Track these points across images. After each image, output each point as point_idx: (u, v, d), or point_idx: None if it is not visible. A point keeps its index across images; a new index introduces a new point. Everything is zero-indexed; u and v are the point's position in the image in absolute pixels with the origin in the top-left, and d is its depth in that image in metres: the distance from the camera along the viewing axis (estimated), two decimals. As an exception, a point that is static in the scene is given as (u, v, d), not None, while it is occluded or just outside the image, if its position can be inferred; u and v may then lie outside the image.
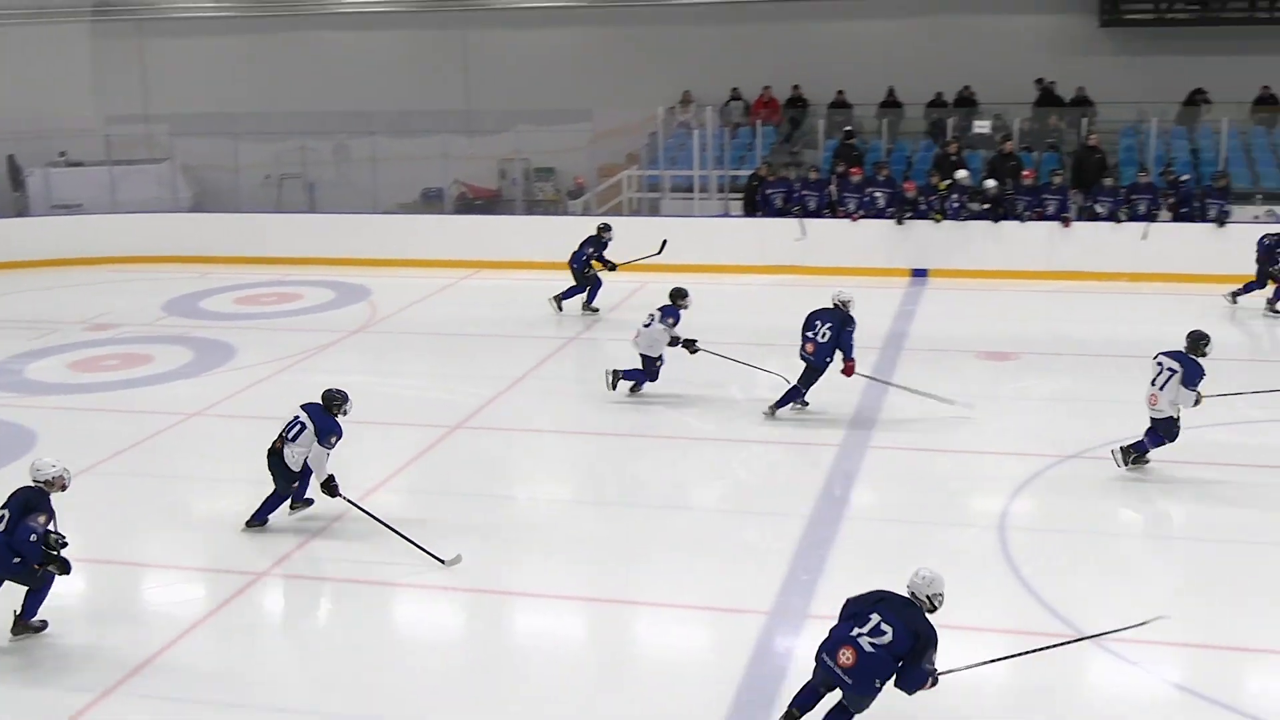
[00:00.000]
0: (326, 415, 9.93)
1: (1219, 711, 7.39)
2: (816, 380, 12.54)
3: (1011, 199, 19.10)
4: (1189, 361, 10.71)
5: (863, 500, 10.61)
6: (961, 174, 19.22)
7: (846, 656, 6.81)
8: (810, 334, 12.40)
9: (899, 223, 18.99)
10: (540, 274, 19.73)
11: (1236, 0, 24.31)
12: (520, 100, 25.85)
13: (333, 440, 9.82)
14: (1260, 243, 16.66)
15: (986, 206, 18.99)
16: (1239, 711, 7.37)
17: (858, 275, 18.42)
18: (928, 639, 6.83)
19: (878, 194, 19.33)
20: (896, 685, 6.85)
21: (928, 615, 6.93)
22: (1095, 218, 18.93)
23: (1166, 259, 18.29)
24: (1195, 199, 18.72)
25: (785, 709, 7.03)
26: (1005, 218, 18.94)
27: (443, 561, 9.36)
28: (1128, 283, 18.26)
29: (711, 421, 12.84)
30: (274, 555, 9.60)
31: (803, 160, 22.81)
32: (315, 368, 15.02)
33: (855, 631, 6.87)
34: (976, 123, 22.30)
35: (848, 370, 12.43)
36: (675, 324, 13.16)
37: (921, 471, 11.35)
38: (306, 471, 10.04)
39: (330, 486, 9.84)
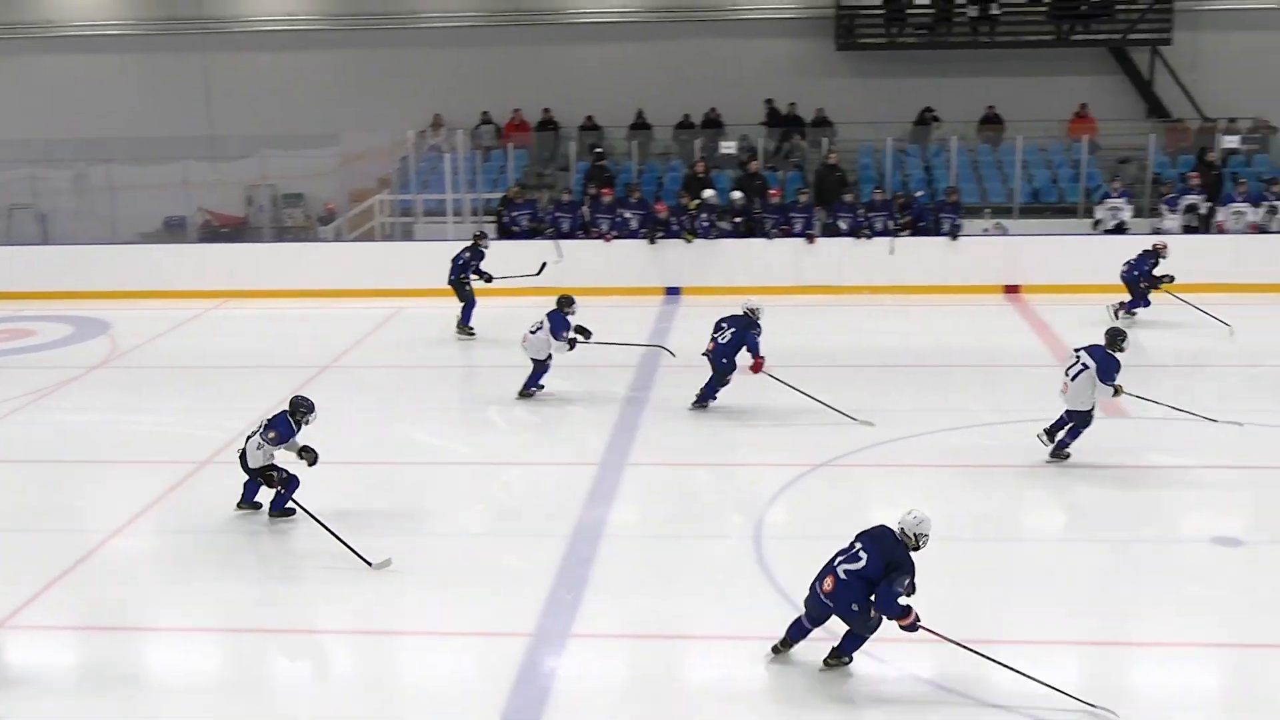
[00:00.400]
0: (285, 422, 10.26)
1: (967, 704, 7.71)
2: (722, 380, 13.16)
3: (760, 217, 19.60)
4: (1105, 357, 11.27)
5: (622, 517, 10.68)
6: (709, 193, 19.64)
7: (827, 584, 7.73)
8: (715, 335, 13.05)
9: (651, 242, 19.27)
10: (292, 302, 19.33)
11: (961, 26, 25.61)
12: (265, 125, 25.28)
13: (271, 435, 10.19)
14: (1129, 271, 17.17)
15: (738, 220, 19.44)
16: (986, 703, 7.70)
17: (613, 295, 18.62)
18: (898, 565, 7.58)
19: (629, 215, 19.57)
20: (875, 607, 7.60)
21: (910, 551, 7.69)
22: (838, 233, 19.59)
23: (903, 271, 19.08)
24: (929, 213, 19.58)
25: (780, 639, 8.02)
26: (753, 235, 19.43)
27: (370, 564, 9.41)
28: (869, 295, 18.97)
29: (470, 445, 12.77)
30: (10, 605, 9.08)
31: (554, 183, 22.96)
32: (53, 407, 14.31)
33: (838, 561, 7.75)
34: (723, 144, 22.82)
35: (755, 367, 13.03)
36: (566, 331, 13.59)
37: (678, 486, 11.54)
38: (289, 483, 10.40)
39: (265, 474, 10.29)
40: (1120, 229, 19.51)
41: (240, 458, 10.46)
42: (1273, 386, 14.47)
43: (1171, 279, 16.75)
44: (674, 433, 12.94)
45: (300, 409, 10.40)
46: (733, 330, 13.03)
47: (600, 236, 19.52)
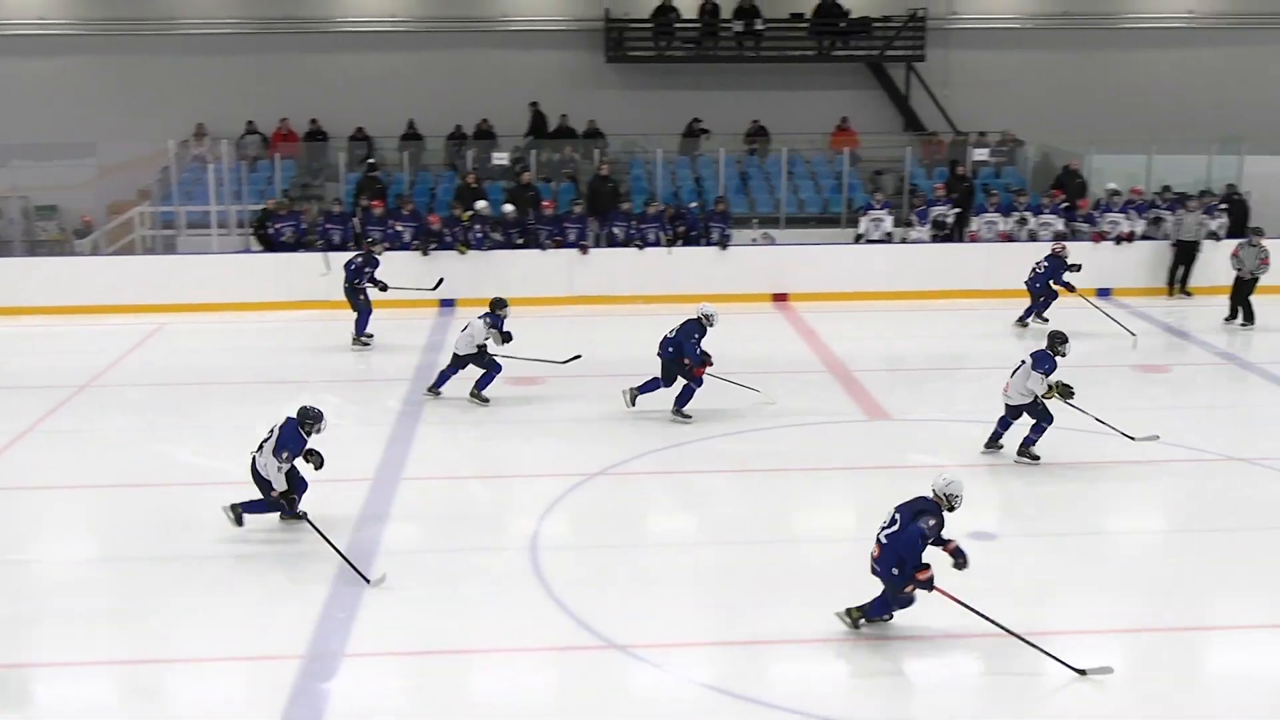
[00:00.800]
0: (295, 431, 10.06)
1: (743, 704, 7.87)
2: (685, 370, 13.31)
3: (533, 228, 19.63)
4: (1042, 354, 11.86)
5: (398, 532, 10.55)
6: (482, 204, 19.57)
7: (875, 551, 8.51)
8: (668, 333, 13.45)
9: (424, 254, 19.07)
10: (46, 319, 18.49)
11: (727, 40, 26.22)
12: (15, 133, 24.09)
13: (284, 455, 9.96)
14: (1035, 274, 17.61)
15: (512, 231, 19.42)
16: (761, 702, 7.87)
17: (385, 307, 18.36)
18: (925, 510, 8.38)
19: (401, 227, 19.34)
20: (899, 549, 8.27)
21: (943, 510, 8.43)
22: (613, 244, 19.79)
23: (676, 281, 19.31)
24: (700, 223, 19.94)
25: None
26: (527, 246, 19.44)
27: (368, 581, 9.30)
28: (643, 305, 19.20)
29: (239, 464, 12.36)
30: None
31: (323, 194, 22.56)
32: None
33: (881, 531, 8.49)
34: (495, 155, 22.79)
35: (696, 372, 13.25)
36: (493, 327, 13.88)
37: (454, 499, 11.46)
38: (299, 485, 10.20)
39: (289, 498, 10.06)
40: (884, 239, 20.24)
41: (261, 478, 10.16)
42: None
43: (1079, 267, 17.40)
44: (449, 445, 12.88)
45: (308, 419, 10.15)
46: (681, 329, 13.41)
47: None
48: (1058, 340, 12.14)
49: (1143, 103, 26.24)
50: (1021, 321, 17.80)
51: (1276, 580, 9.75)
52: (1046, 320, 17.33)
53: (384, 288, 16.95)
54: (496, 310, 14.14)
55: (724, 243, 19.69)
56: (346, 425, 13.36)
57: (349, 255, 17.41)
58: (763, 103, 25.80)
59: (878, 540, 8.52)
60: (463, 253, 19.10)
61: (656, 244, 19.66)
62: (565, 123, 25.20)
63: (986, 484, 11.88)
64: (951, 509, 8.50)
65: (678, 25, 26.26)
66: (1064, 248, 17.70)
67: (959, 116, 26.29)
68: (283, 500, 10.12)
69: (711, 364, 13.36)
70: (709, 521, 11.18)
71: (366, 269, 16.85)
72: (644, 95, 26.17)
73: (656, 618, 8.94)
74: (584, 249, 19.53)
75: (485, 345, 13.90)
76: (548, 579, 9.47)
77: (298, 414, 10.23)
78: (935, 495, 8.52)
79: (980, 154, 22.82)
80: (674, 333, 13.43)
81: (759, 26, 26.05)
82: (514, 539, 10.34)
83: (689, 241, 19.81)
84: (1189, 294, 19.71)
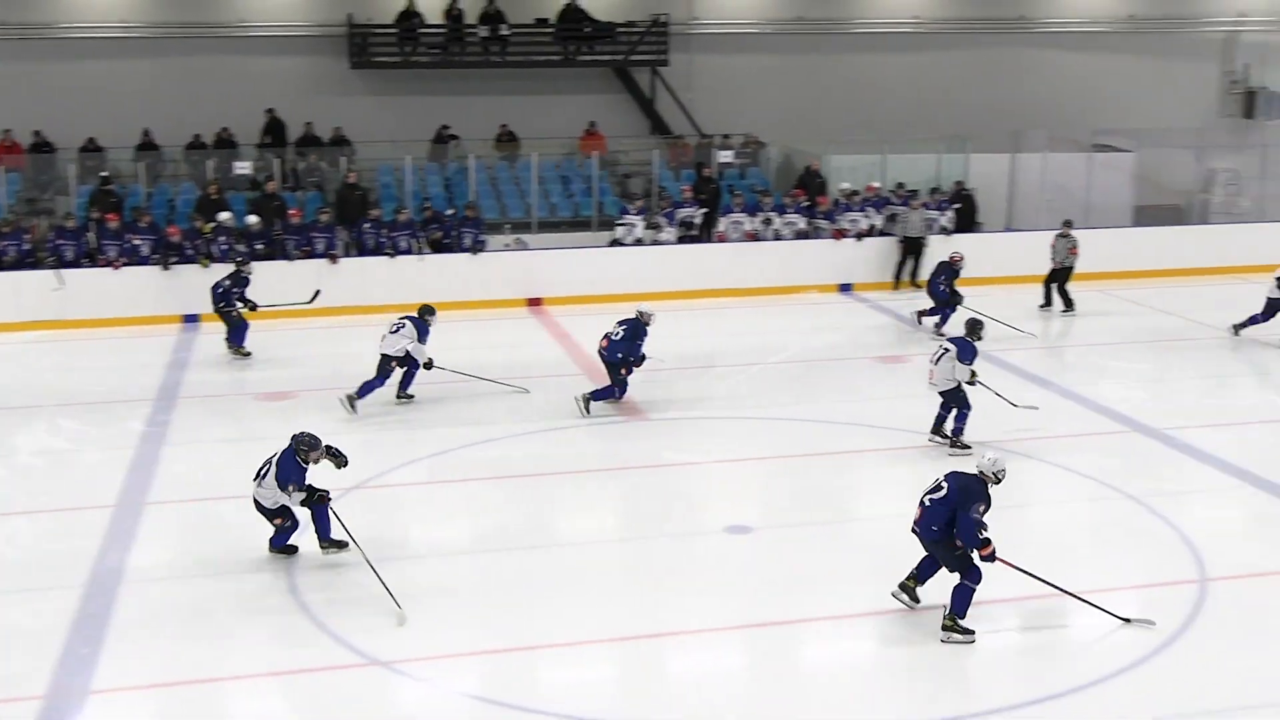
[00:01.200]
0: (292, 462, 9.69)
1: (512, 713, 7.85)
2: (619, 375, 13.72)
3: (280, 239, 19.14)
4: (962, 343, 12.22)
5: (144, 560, 10.11)
6: (224, 216, 18.99)
7: (917, 514, 8.83)
8: (609, 331, 13.72)
9: (165, 268, 18.38)
10: None
11: (473, 46, 26.10)
12: None
13: (290, 489, 9.62)
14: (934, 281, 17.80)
15: (260, 245, 18.88)
16: (530, 709, 7.88)
17: (125, 325, 17.69)
18: (973, 493, 8.65)
19: (139, 240, 18.58)
20: (957, 536, 8.56)
21: (988, 486, 8.72)
22: (364, 252, 19.47)
23: (429, 288, 19.04)
24: (453, 229, 19.79)
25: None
26: (274, 257, 18.93)
27: (399, 607, 9.02)
28: (396, 313, 18.85)
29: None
30: None
31: (53, 208, 21.49)
32: None
33: (925, 495, 8.85)
34: (237, 164, 22.13)
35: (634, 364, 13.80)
36: (421, 337, 13.82)
37: (204, 522, 11.05)
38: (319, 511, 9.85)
39: (315, 497, 9.79)
40: (637, 243, 20.47)
41: (264, 508, 9.91)
42: (777, 381, 15.64)
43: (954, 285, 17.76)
44: (198, 466, 12.43)
45: (303, 446, 9.75)
46: (625, 328, 13.66)
47: (108, 264, 18.42)
48: (977, 328, 12.73)
49: (876, 104, 27.25)
50: (937, 327, 17.76)
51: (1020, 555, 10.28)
52: (943, 334, 17.15)
53: (253, 307, 16.57)
54: (425, 317, 14.09)
55: (477, 248, 19.61)
56: (87, 450, 12.81)
57: (221, 277, 16.74)
58: (511, 108, 25.76)
59: (921, 503, 8.85)
60: (205, 266, 18.44)
61: (408, 252, 19.44)
62: (310, 130, 24.64)
63: (746, 481, 12.20)
64: (998, 482, 8.85)
65: (422, 31, 25.99)
66: (961, 258, 17.94)
67: (703, 120, 26.80)
68: (313, 505, 9.82)
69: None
70: (470, 530, 11.13)
71: (235, 290, 16.45)
72: (391, 101, 25.82)
73: (419, 631, 8.85)
74: (333, 258, 19.15)
75: (410, 351, 13.80)
76: (305, 599, 9.25)
77: (292, 442, 9.81)
78: (981, 473, 8.85)
79: (725, 156, 23.33)
80: (620, 335, 13.64)
81: (504, 32, 25.99)
82: (270, 560, 10.06)
83: (441, 248, 19.65)
84: (919, 286, 20.56)
